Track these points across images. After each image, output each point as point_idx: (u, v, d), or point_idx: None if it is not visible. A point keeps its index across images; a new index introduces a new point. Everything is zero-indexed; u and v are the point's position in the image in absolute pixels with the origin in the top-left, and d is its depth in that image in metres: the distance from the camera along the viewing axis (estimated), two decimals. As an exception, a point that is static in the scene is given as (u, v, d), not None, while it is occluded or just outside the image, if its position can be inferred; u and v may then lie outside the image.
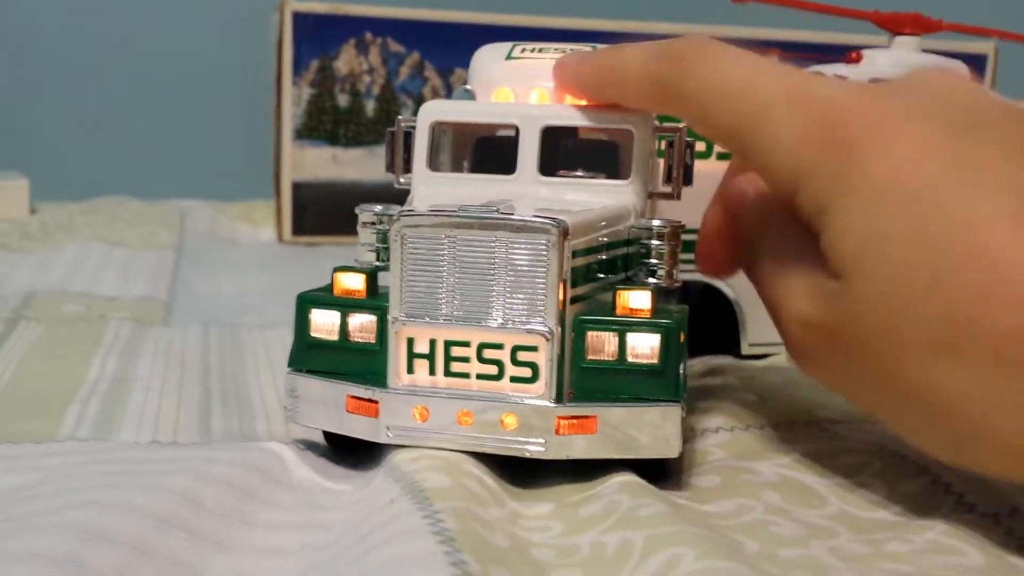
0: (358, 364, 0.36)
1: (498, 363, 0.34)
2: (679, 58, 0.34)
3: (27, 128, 1.19)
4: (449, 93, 0.91)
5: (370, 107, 0.89)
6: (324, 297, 0.36)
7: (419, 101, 0.90)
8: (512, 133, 0.41)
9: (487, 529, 0.29)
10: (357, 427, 0.35)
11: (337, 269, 0.36)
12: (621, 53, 0.38)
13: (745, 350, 0.52)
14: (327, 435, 0.38)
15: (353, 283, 0.36)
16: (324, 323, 0.36)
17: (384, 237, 0.38)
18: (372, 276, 0.37)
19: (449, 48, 0.90)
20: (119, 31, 1.21)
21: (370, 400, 0.35)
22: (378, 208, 0.39)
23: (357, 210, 0.40)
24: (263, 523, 0.32)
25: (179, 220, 0.92)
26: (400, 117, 0.42)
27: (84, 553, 0.26)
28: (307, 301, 0.36)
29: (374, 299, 0.36)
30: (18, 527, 0.28)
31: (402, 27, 0.89)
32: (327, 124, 0.88)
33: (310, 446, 0.37)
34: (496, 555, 0.27)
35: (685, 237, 0.40)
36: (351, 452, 0.37)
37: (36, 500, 0.31)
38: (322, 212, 0.88)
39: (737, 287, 0.52)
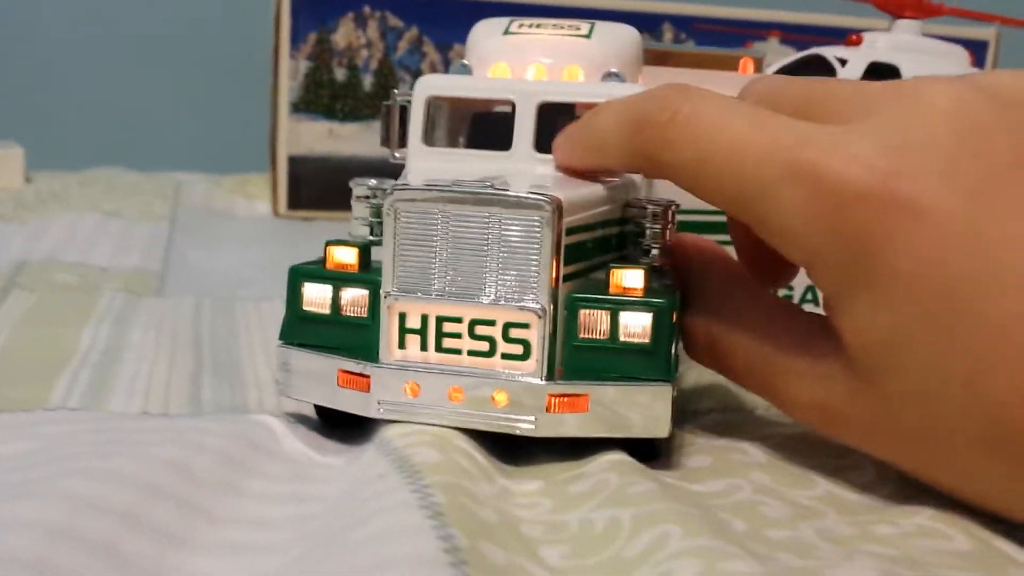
0: (350, 338, 0.36)
1: (490, 340, 0.34)
2: (659, 126, 0.31)
3: (23, 97, 1.18)
4: (447, 68, 0.91)
5: (367, 81, 0.89)
6: (317, 270, 0.36)
7: (417, 76, 0.89)
8: (508, 109, 0.41)
9: (476, 504, 0.29)
10: (348, 401, 0.35)
11: (330, 242, 0.36)
12: (599, 119, 0.35)
13: None
14: (318, 409, 0.38)
15: (346, 256, 0.36)
16: (316, 296, 0.36)
17: (377, 211, 0.38)
18: (365, 250, 0.36)
19: (448, 23, 0.89)
20: (118, 3, 1.20)
21: (361, 375, 0.35)
22: (372, 182, 0.39)
23: (351, 184, 0.39)
24: (253, 494, 0.32)
25: (174, 192, 0.91)
26: (396, 91, 0.42)
27: (74, 522, 0.26)
28: (300, 274, 0.36)
29: (367, 273, 0.36)
30: (7, 496, 0.28)
31: (401, 1, 0.89)
32: (324, 98, 0.87)
33: (301, 419, 0.37)
34: (485, 530, 0.27)
35: (679, 217, 0.39)
36: (342, 426, 0.37)
37: (26, 469, 0.31)
38: (318, 186, 0.87)
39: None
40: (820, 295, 0.31)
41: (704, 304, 0.36)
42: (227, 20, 1.18)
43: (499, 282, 0.34)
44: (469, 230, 0.34)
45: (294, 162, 0.87)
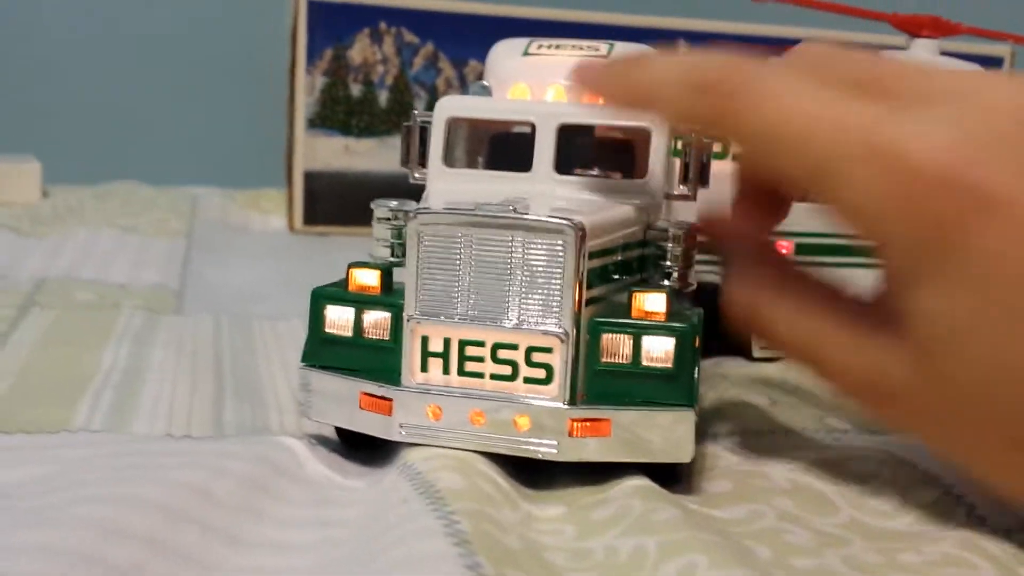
0: (372, 361, 0.36)
1: (512, 363, 0.34)
2: (724, 95, 0.31)
3: (40, 112, 1.19)
4: (463, 84, 0.91)
5: (383, 97, 0.89)
6: (339, 293, 0.36)
7: (432, 92, 0.90)
8: (528, 130, 0.41)
9: (501, 531, 0.29)
10: (370, 424, 0.35)
11: (352, 265, 0.36)
12: (653, 70, 0.34)
13: (756, 353, 0.52)
14: (340, 431, 0.38)
15: (368, 279, 0.36)
16: (339, 319, 0.36)
17: (399, 233, 0.38)
18: (387, 272, 0.37)
19: (463, 39, 0.89)
20: (133, 16, 1.21)
21: (383, 397, 0.35)
22: (393, 204, 0.39)
23: (373, 205, 0.40)
24: (275, 518, 0.32)
25: (190, 207, 0.92)
26: (415, 111, 0.42)
27: (96, 547, 0.26)
28: (322, 297, 0.36)
29: (389, 296, 0.36)
30: (30, 521, 0.28)
31: (416, 17, 0.89)
32: (340, 114, 0.88)
33: (323, 441, 0.37)
34: (510, 558, 0.27)
35: (701, 239, 0.39)
36: (364, 448, 0.37)
37: (49, 493, 0.31)
38: (333, 202, 0.87)
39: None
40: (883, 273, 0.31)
41: (743, 273, 0.36)
42: (243, 35, 1.19)
43: (522, 306, 0.34)
44: (492, 254, 0.34)
45: (310, 177, 0.87)
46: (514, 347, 0.34)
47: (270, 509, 0.32)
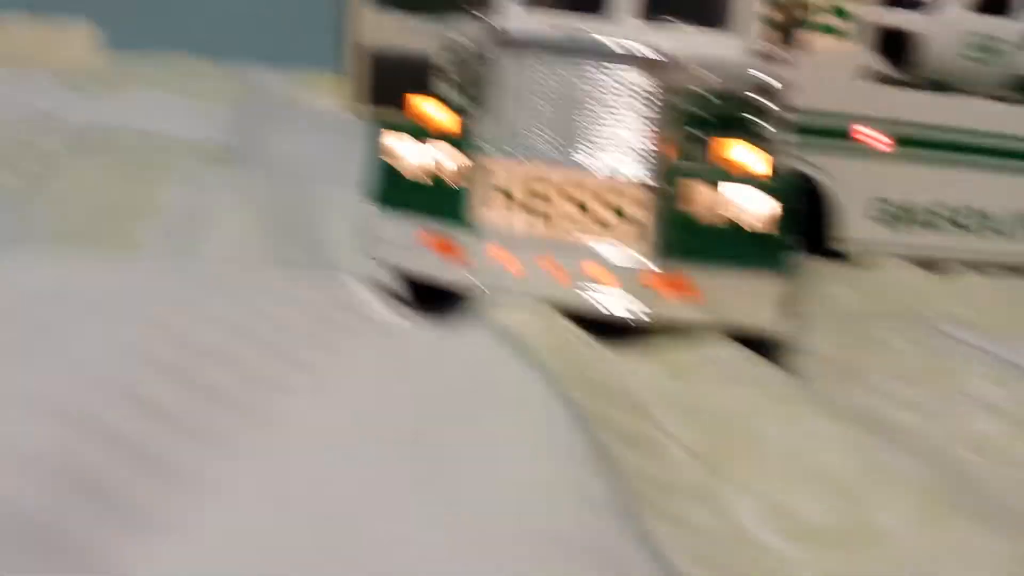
0: (441, 201, 0.33)
1: (596, 213, 0.31)
2: None
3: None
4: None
5: (453, -21, 0.86)
6: (407, 126, 0.34)
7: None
8: None
9: (590, 373, 0.27)
10: (438, 269, 0.33)
11: (417, 96, 0.34)
12: None
13: (837, 243, 0.49)
14: (403, 274, 0.36)
15: (438, 113, 0.34)
16: (408, 156, 0.34)
17: (471, 71, 0.36)
18: (459, 108, 0.34)
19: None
20: None
21: (453, 242, 0.32)
22: (465, 37, 0.36)
23: (442, 40, 0.37)
24: (340, 347, 0.30)
25: (246, 82, 0.90)
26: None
27: (165, 353, 0.25)
28: (391, 128, 0.34)
29: (460, 133, 0.33)
30: (83, 336, 0.26)
31: None
32: (407, -7, 0.85)
33: (387, 285, 0.35)
34: (601, 395, 0.25)
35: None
36: (429, 294, 0.35)
37: (100, 312, 0.29)
38: (392, 83, 0.85)
39: (835, 177, 0.49)
40: None
41: None
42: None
43: (599, 146, 0.31)
44: (569, 86, 0.31)
45: (369, 57, 0.85)
46: (590, 191, 0.31)
47: (335, 337, 0.30)
